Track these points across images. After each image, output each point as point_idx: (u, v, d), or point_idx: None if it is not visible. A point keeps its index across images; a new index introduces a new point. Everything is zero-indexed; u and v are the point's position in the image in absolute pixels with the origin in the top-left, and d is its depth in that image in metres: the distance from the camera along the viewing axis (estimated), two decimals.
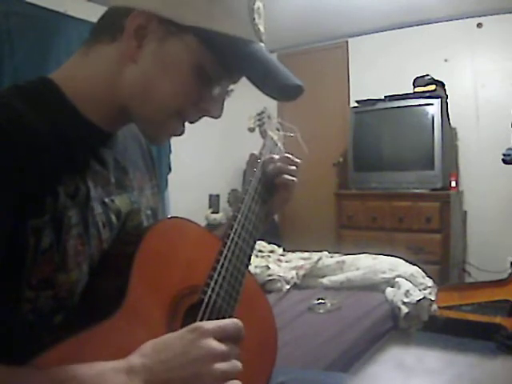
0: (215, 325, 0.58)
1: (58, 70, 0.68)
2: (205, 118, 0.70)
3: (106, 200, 0.68)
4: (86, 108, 0.66)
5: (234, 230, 0.73)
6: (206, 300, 0.64)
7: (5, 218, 0.55)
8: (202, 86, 0.66)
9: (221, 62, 0.64)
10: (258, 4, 0.66)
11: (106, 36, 0.65)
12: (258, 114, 1.00)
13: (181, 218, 0.73)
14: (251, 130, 0.99)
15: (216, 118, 0.70)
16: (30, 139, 0.58)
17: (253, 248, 0.76)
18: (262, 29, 0.66)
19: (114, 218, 0.69)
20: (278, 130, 1.01)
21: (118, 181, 0.71)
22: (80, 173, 0.64)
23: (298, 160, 0.86)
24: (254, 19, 0.65)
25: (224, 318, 0.65)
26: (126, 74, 0.65)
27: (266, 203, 0.84)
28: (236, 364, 0.58)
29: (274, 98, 0.68)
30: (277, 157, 0.88)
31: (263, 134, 0.97)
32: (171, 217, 0.74)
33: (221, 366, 0.55)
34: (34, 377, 0.50)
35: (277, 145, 0.97)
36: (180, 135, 0.70)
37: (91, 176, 0.66)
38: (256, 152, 0.90)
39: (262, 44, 0.67)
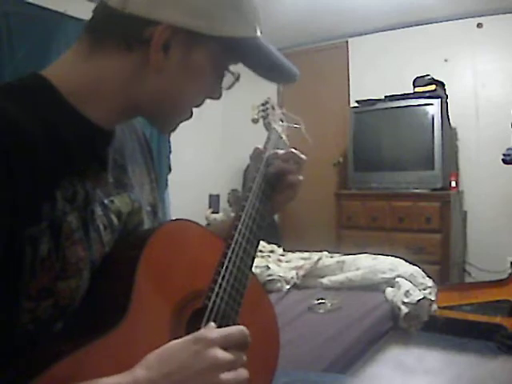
0: (220, 334, 0.57)
1: (52, 67, 0.65)
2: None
3: (106, 201, 0.66)
4: (84, 107, 0.63)
5: (238, 230, 0.71)
6: (209, 305, 0.63)
7: (1, 228, 0.53)
8: (219, 81, 0.71)
9: (237, 60, 0.70)
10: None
11: (117, 45, 0.63)
12: (262, 105, 0.97)
13: (184, 219, 0.71)
14: (255, 121, 0.95)
15: (218, 99, 0.73)
16: (21, 142, 0.55)
17: (257, 248, 0.74)
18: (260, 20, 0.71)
19: (115, 219, 0.67)
20: (282, 120, 0.97)
21: (116, 180, 0.69)
22: (78, 175, 0.62)
23: (303, 156, 0.84)
24: (258, 17, 0.70)
25: (228, 322, 0.64)
26: (147, 83, 0.64)
27: (270, 200, 0.82)
28: (242, 373, 0.57)
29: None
30: (281, 152, 0.85)
31: (267, 126, 0.93)
32: (175, 219, 0.71)
33: (227, 376, 0.54)
34: None
35: (281, 137, 0.93)
36: (189, 119, 0.73)
37: (90, 177, 0.64)
38: (260, 146, 0.88)
39: (258, 33, 0.71)
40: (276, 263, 2.47)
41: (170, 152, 3.58)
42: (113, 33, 0.63)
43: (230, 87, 0.73)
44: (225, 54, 0.68)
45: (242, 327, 0.59)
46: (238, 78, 0.72)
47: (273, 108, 0.97)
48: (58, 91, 0.62)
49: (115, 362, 0.54)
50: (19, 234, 0.54)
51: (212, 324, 0.60)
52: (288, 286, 2.21)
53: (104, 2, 0.63)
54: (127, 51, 0.63)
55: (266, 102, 0.97)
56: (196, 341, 0.55)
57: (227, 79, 0.72)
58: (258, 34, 0.69)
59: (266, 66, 0.71)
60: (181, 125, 0.74)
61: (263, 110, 0.96)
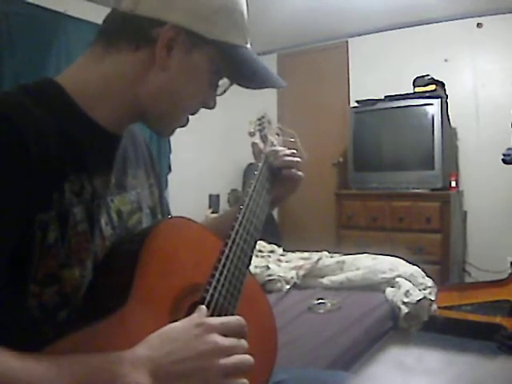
0: (219, 321, 0.61)
1: (66, 72, 0.70)
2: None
3: (108, 199, 0.71)
4: (93, 111, 0.68)
5: (235, 230, 0.74)
6: (208, 298, 0.65)
7: (17, 211, 0.57)
8: (214, 87, 0.75)
9: (230, 67, 0.73)
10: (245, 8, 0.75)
11: (127, 44, 0.68)
12: (259, 119, 1.02)
13: (183, 217, 0.74)
14: (252, 134, 1.00)
15: (212, 108, 0.77)
16: (40, 135, 0.59)
17: (253, 248, 0.77)
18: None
19: (115, 217, 0.71)
20: (278, 134, 1.03)
21: (117, 181, 0.74)
22: (87, 173, 0.66)
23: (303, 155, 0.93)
24: (247, 29, 0.74)
25: (226, 315, 0.66)
26: (151, 80, 0.69)
27: (270, 193, 0.88)
28: (244, 357, 0.59)
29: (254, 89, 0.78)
30: (283, 148, 0.94)
31: (263, 139, 0.98)
32: (174, 216, 0.75)
33: (225, 361, 0.57)
34: (41, 362, 0.52)
35: None
36: (185, 126, 0.77)
37: (98, 177, 0.68)
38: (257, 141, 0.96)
39: (249, 44, 0.76)
40: (276, 263, 2.47)
41: (170, 152, 3.58)
42: (124, 34, 0.68)
43: (221, 94, 0.77)
44: (220, 60, 0.71)
45: (239, 317, 0.63)
46: (230, 85, 0.76)
47: (269, 122, 1.02)
48: (68, 96, 0.67)
49: (114, 343, 0.56)
50: (32, 219, 0.58)
51: (203, 307, 0.62)
52: (288, 286, 2.21)
53: (116, 8, 0.69)
54: (135, 50, 0.68)
55: (263, 117, 1.03)
56: (197, 325, 0.59)
57: (220, 88, 0.76)
58: (248, 45, 0.74)
59: (250, 75, 0.74)
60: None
61: (259, 124, 1.01)
